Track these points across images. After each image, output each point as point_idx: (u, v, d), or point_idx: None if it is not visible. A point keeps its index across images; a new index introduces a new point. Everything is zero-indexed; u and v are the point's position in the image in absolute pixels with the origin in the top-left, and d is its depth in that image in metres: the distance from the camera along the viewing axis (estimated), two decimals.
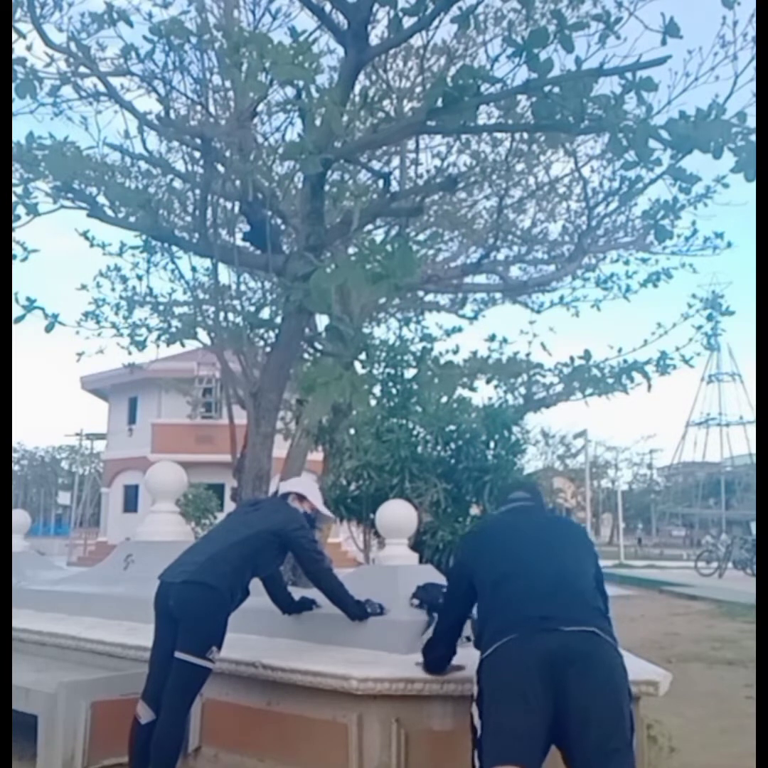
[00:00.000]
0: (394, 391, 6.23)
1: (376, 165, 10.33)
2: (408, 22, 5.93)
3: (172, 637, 3.71)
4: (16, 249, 7.29)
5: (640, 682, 3.71)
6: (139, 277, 11.01)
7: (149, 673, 3.78)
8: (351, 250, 9.80)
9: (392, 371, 6.31)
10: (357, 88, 7.84)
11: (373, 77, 10.00)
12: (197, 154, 8.29)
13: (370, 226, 10.11)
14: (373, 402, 6.24)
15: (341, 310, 9.67)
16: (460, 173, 10.45)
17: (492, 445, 5.84)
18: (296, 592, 4.47)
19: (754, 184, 4.00)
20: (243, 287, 10.46)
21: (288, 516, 4.11)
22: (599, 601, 3.03)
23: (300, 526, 4.07)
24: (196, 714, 4.38)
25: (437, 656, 3.63)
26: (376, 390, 6.32)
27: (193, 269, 10.65)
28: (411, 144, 10.17)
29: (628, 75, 4.99)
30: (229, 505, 8.63)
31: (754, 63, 5.43)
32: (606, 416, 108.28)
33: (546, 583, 2.97)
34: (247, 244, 8.24)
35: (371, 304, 10.87)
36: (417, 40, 9.10)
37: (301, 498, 4.29)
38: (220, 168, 7.78)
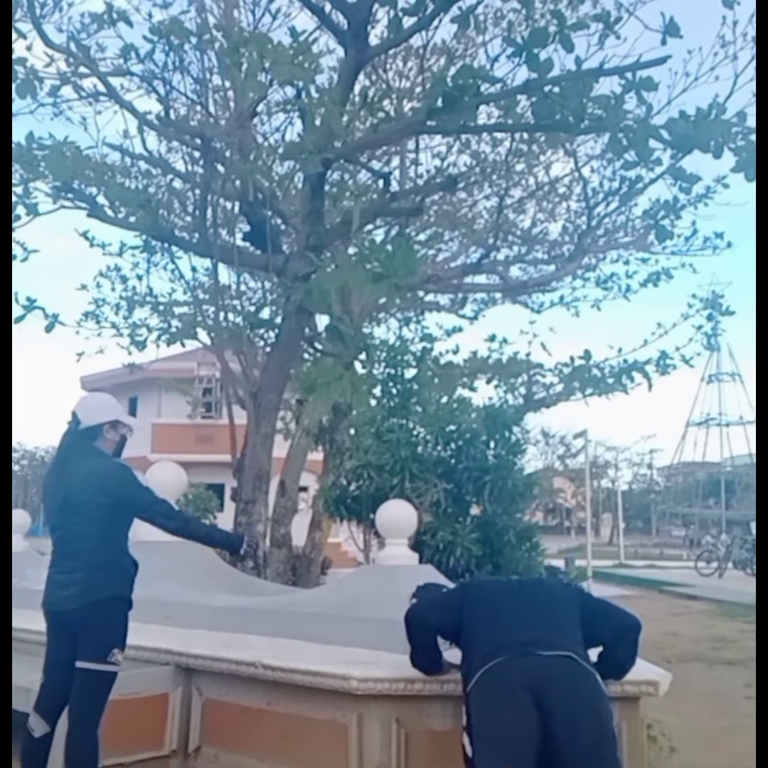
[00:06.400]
0: (394, 391, 6.22)
1: (376, 165, 10.33)
2: (408, 22, 5.93)
3: (71, 649, 3.53)
4: (16, 249, 7.30)
5: (640, 682, 3.71)
6: (139, 277, 11.04)
7: (44, 683, 3.62)
8: (351, 250, 9.80)
9: (392, 371, 6.29)
10: (357, 88, 7.85)
11: (373, 77, 10.01)
12: (197, 154, 8.29)
13: (370, 226, 10.12)
14: (373, 402, 6.24)
15: (341, 310, 9.67)
16: (460, 173, 10.46)
17: (492, 445, 5.82)
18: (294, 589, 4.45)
19: (754, 184, 4.00)
20: (243, 287, 10.47)
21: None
22: (578, 636, 3.21)
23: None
24: (196, 714, 4.39)
25: (424, 665, 3.65)
26: (376, 390, 6.31)
27: (193, 269, 10.66)
28: (411, 144, 10.17)
29: (628, 75, 5.00)
30: (230, 505, 8.63)
31: (754, 63, 5.44)
32: (606, 416, 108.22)
33: (528, 616, 3.22)
34: (247, 244, 8.24)
35: (371, 304, 10.87)
36: (417, 40, 9.11)
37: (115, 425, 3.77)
38: (220, 168, 7.78)
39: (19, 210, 6.53)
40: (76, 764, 3.42)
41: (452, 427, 5.82)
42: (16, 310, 6.79)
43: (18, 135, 6.35)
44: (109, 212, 7.52)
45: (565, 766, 2.86)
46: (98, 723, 3.47)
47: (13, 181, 6.29)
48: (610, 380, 10.18)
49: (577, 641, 3.18)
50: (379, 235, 11.09)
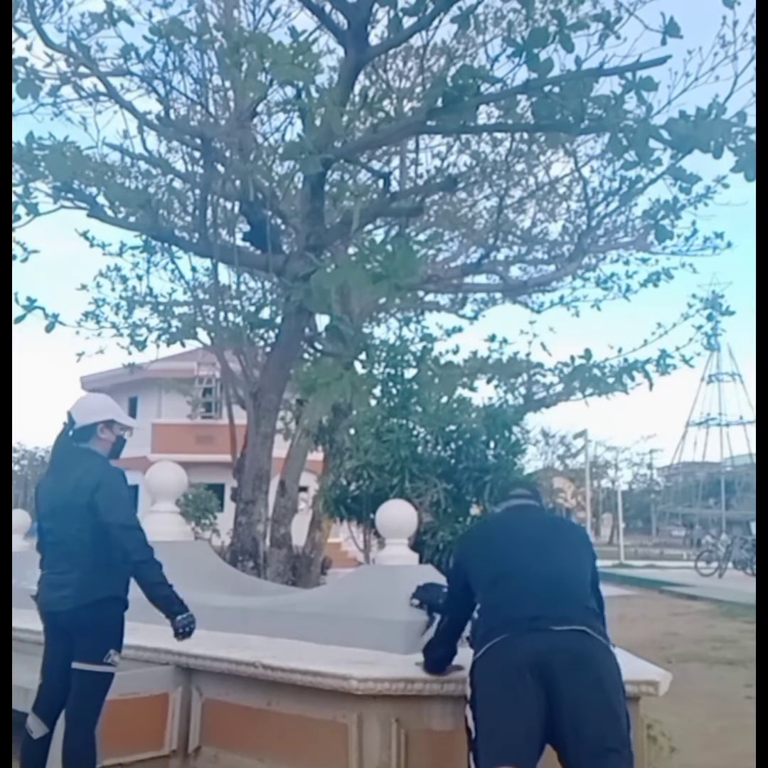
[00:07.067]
0: (394, 391, 6.22)
1: (376, 165, 10.34)
2: (408, 22, 5.93)
3: (67, 650, 3.51)
4: (16, 249, 7.31)
5: (640, 682, 3.71)
6: (139, 277, 11.05)
7: (42, 685, 3.61)
8: (351, 250, 9.81)
9: (392, 371, 6.29)
10: (357, 88, 7.84)
11: (373, 77, 10.01)
12: (197, 154, 8.30)
13: (370, 226, 10.12)
14: (373, 402, 6.24)
15: (341, 310, 9.68)
16: (460, 173, 10.46)
17: (492, 445, 5.82)
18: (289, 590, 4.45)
19: (754, 184, 4.00)
20: (243, 287, 10.47)
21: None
22: (592, 602, 3.03)
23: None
24: (196, 714, 4.39)
25: (437, 657, 3.64)
26: (376, 390, 6.31)
27: (193, 269, 10.68)
28: (411, 144, 10.18)
29: (628, 75, 5.00)
30: (230, 505, 8.63)
31: (754, 63, 5.44)
32: (606, 416, 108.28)
33: (539, 583, 2.99)
34: (247, 244, 8.25)
35: (371, 304, 10.87)
36: (417, 40, 9.11)
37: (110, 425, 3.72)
38: (220, 168, 7.78)
39: (19, 210, 6.53)
40: (73, 765, 3.41)
41: (452, 427, 5.82)
42: (16, 310, 6.80)
43: (18, 135, 6.36)
44: (109, 212, 7.52)
45: (569, 756, 2.74)
46: (95, 724, 3.46)
47: (13, 181, 6.29)
48: (610, 380, 10.16)
49: (591, 608, 2.99)
50: (379, 235, 11.10)
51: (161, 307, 11.26)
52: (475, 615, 3.23)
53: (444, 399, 6.19)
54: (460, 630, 3.51)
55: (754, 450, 16.23)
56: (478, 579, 3.20)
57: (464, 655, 3.54)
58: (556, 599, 2.93)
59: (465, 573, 3.30)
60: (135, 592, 3.68)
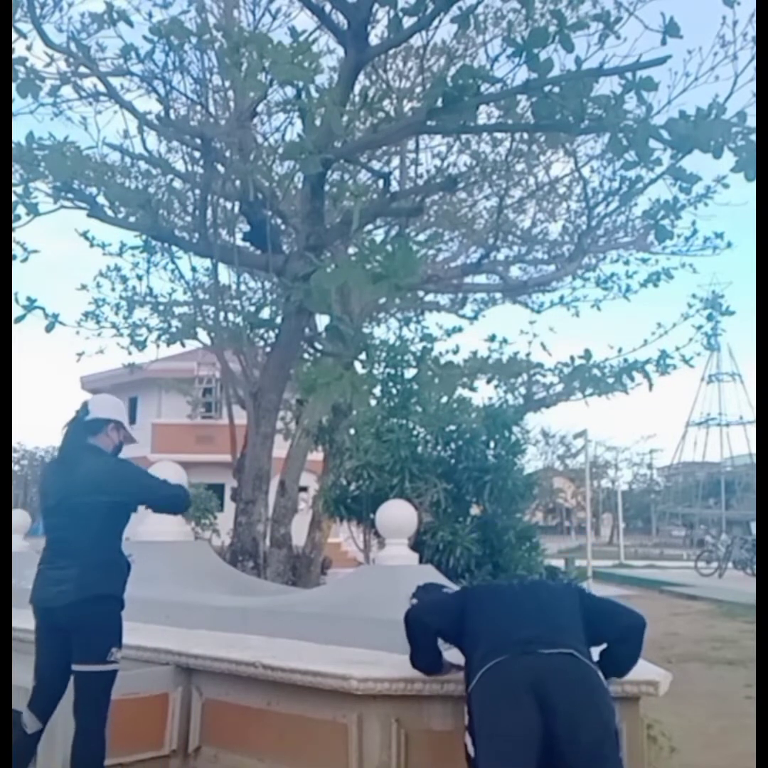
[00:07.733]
0: (394, 391, 6.21)
1: (376, 165, 10.34)
2: (408, 22, 5.93)
3: (63, 648, 3.51)
4: (16, 249, 7.31)
5: (640, 682, 3.71)
6: (139, 277, 11.06)
7: (37, 685, 3.63)
8: (351, 250, 9.81)
9: (392, 371, 6.28)
10: (357, 88, 7.84)
11: (373, 77, 10.01)
12: (197, 154, 8.30)
13: (370, 226, 10.12)
14: (373, 402, 6.24)
15: (341, 310, 9.68)
16: (460, 173, 10.46)
17: (492, 445, 5.82)
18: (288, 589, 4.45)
19: (754, 184, 4.00)
20: (243, 287, 10.48)
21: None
22: (580, 632, 3.20)
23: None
24: (196, 714, 4.38)
25: (424, 665, 3.65)
26: (376, 390, 6.31)
27: (193, 269, 10.68)
28: (411, 144, 10.18)
29: (628, 75, 5.00)
30: (230, 505, 8.63)
31: (754, 63, 5.45)
32: (606, 416, 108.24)
33: (528, 613, 3.23)
34: (247, 244, 8.25)
35: (371, 304, 10.88)
36: (417, 40, 9.11)
37: (118, 427, 3.77)
38: (220, 168, 7.78)
39: (19, 210, 6.53)
40: (84, 765, 3.42)
41: (452, 427, 5.82)
42: (16, 310, 6.80)
43: (18, 135, 6.36)
44: (109, 212, 7.52)
45: (566, 766, 2.85)
46: (105, 724, 3.47)
47: (13, 181, 6.29)
48: (610, 380, 10.16)
49: (579, 639, 3.17)
50: (379, 235, 11.10)
51: (161, 307, 11.27)
52: (462, 652, 3.37)
53: (444, 399, 6.19)
54: (432, 634, 3.56)
55: (754, 450, 16.23)
56: (474, 611, 3.36)
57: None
58: (545, 626, 3.15)
59: (462, 604, 3.48)
60: (133, 593, 3.68)
